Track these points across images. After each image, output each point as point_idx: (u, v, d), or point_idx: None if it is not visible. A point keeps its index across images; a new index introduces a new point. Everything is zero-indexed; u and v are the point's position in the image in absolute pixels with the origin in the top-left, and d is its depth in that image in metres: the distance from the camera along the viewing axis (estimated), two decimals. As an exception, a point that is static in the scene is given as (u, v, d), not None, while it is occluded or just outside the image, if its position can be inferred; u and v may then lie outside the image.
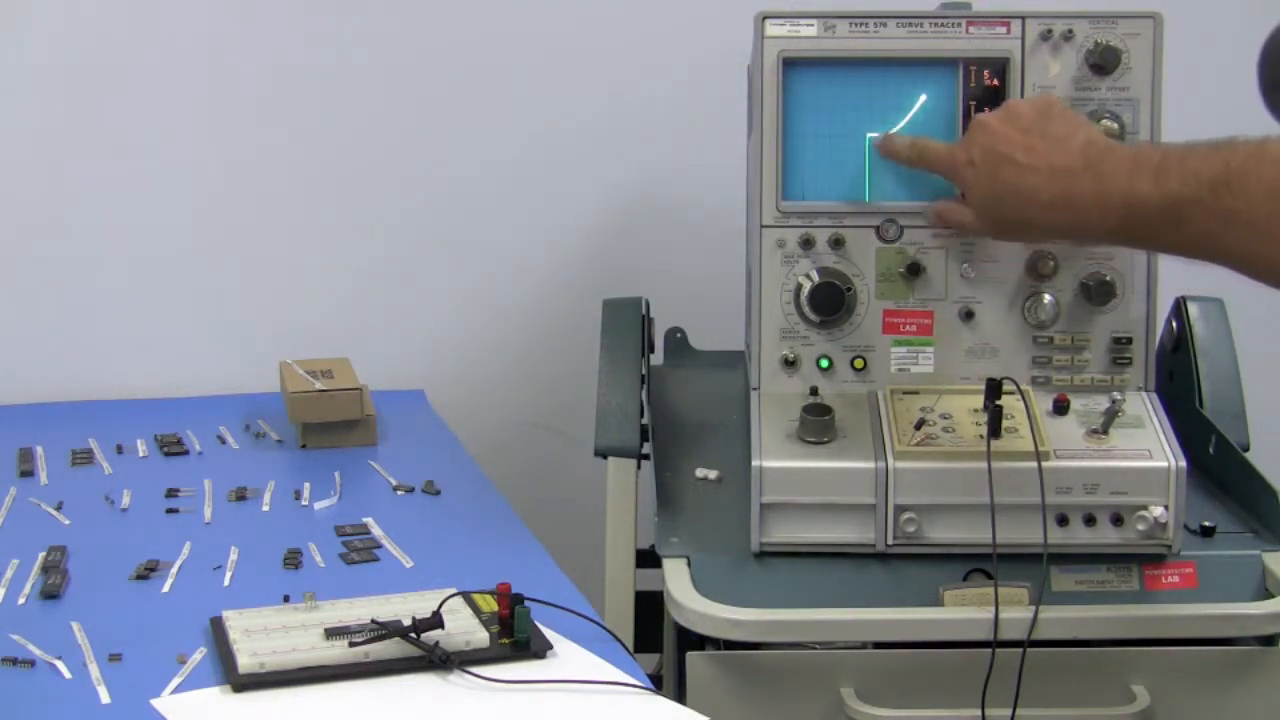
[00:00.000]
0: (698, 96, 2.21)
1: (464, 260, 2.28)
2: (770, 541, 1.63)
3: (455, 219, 2.27)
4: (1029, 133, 1.50)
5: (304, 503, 1.78)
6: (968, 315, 1.70)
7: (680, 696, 1.61)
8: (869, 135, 1.68)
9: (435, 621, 1.36)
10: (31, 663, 1.38)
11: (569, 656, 1.39)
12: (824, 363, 1.71)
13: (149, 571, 1.57)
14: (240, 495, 1.80)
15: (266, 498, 1.80)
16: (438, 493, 1.82)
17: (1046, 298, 1.68)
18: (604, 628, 1.44)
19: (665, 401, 1.96)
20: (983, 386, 1.62)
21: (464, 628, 1.39)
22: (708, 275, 2.24)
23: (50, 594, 1.52)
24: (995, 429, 1.60)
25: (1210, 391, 1.84)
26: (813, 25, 1.68)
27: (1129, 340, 1.70)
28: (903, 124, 1.68)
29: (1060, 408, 1.66)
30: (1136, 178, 1.38)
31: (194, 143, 2.18)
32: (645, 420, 1.81)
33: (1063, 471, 1.60)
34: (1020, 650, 1.55)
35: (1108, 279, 1.68)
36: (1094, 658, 1.62)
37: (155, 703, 1.31)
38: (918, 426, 1.63)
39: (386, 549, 1.64)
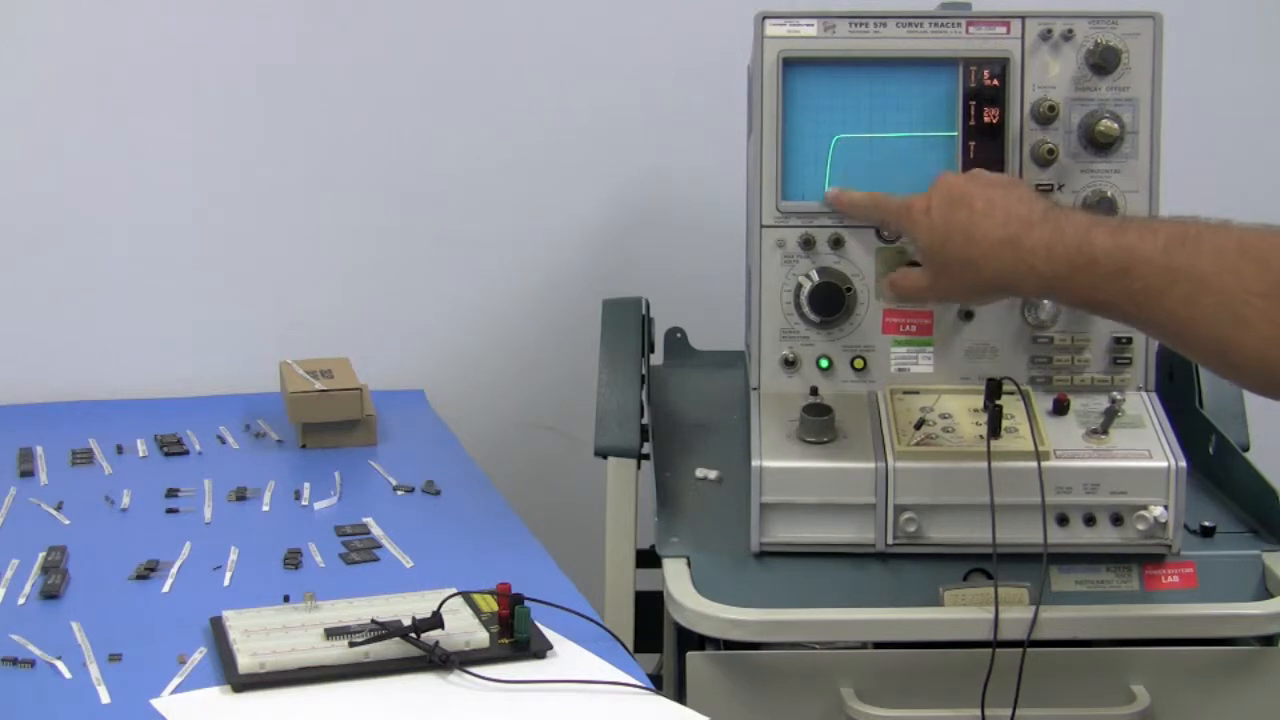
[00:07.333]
0: (698, 96, 2.21)
1: (464, 260, 2.28)
2: (770, 541, 1.63)
3: (455, 219, 2.27)
4: (991, 187, 1.52)
5: (304, 503, 1.78)
6: (968, 315, 1.70)
7: (680, 696, 1.61)
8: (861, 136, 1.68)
9: (435, 621, 1.36)
10: (31, 663, 1.38)
11: (569, 656, 1.39)
12: (824, 363, 1.71)
13: (149, 571, 1.57)
14: (240, 495, 1.80)
15: (266, 498, 1.79)
16: (438, 493, 1.82)
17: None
18: (604, 628, 1.44)
19: (665, 401, 1.96)
20: (983, 386, 1.62)
21: (464, 628, 1.39)
22: (708, 275, 2.24)
23: (50, 594, 1.52)
24: (995, 429, 1.60)
25: (1210, 391, 1.84)
26: (813, 25, 1.68)
27: (1128, 340, 1.70)
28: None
29: (1060, 408, 1.66)
30: (1094, 230, 1.40)
31: (194, 143, 2.18)
32: (645, 420, 1.81)
33: (1063, 471, 1.60)
34: (1020, 650, 1.55)
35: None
36: (1094, 658, 1.61)
37: (155, 703, 1.31)
38: (918, 426, 1.63)
39: (386, 549, 1.64)
